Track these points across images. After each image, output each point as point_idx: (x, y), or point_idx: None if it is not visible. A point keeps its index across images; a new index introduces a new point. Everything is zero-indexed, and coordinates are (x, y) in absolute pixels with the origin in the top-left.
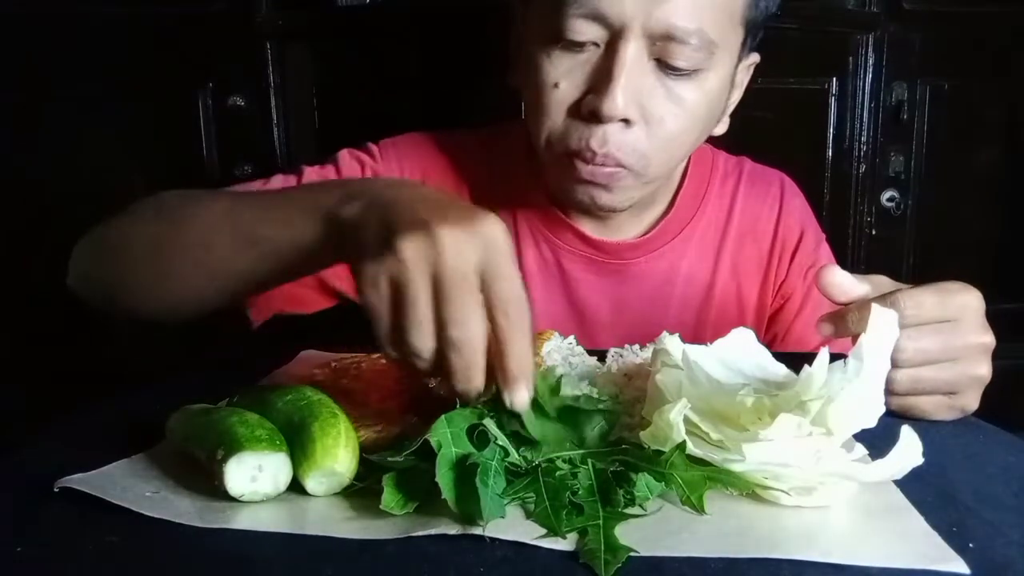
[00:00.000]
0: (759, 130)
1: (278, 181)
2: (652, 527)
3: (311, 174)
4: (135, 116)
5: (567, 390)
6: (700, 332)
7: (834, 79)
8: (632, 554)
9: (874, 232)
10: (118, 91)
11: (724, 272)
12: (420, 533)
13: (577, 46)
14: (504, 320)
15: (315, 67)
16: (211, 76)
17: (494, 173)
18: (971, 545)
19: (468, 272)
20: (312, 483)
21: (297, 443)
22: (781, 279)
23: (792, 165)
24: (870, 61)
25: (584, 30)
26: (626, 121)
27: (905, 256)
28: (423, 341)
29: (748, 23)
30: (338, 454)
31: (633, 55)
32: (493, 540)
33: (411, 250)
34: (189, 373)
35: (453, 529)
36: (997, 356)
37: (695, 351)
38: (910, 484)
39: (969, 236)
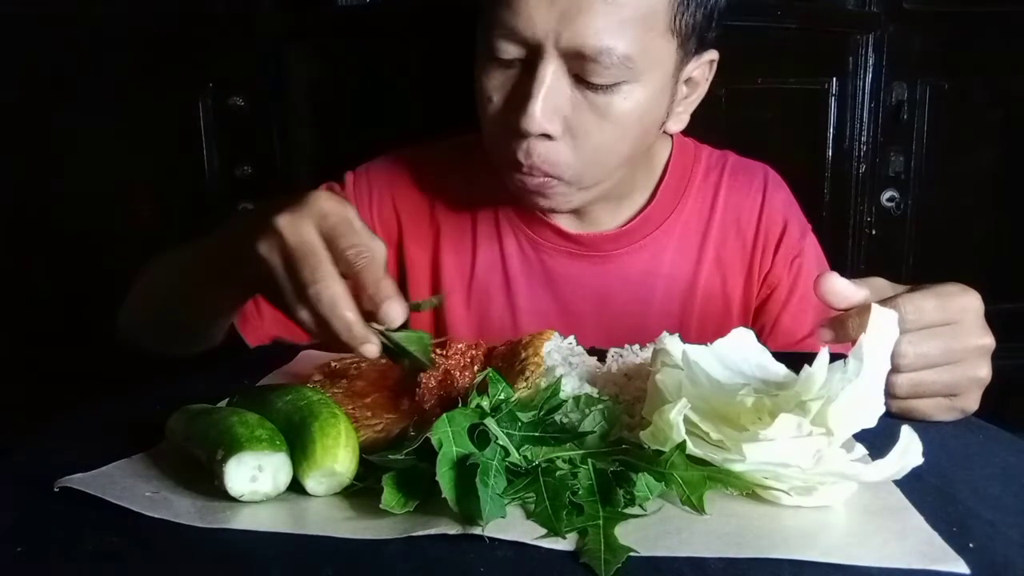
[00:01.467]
0: (759, 130)
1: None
2: (652, 527)
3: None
4: (135, 116)
5: (567, 390)
6: (686, 323)
7: (834, 79)
8: (632, 554)
9: (874, 232)
10: (118, 91)
11: (708, 264)
12: (420, 533)
13: (504, 63)
14: (350, 268)
15: (315, 67)
16: (211, 76)
17: (472, 178)
18: (971, 545)
19: (306, 241)
20: (312, 483)
21: (297, 443)
22: (766, 270)
23: (792, 165)
24: (870, 61)
25: (507, 48)
26: (549, 136)
27: (905, 256)
28: (293, 310)
29: (681, 29)
30: (338, 454)
31: (552, 72)
32: (493, 540)
33: (262, 247)
34: (189, 373)
35: (453, 529)
36: (997, 356)
37: (695, 351)
38: (910, 484)
39: (969, 236)
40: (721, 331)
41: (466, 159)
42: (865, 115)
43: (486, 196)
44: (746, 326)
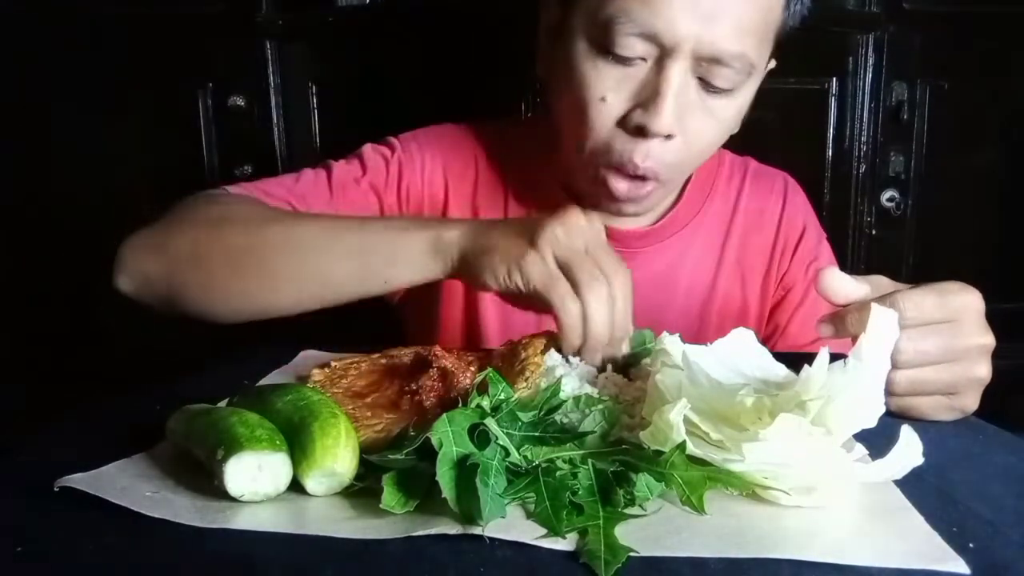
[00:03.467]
0: (759, 130)
1: (309, 177)
2: (652, 527)
3: (339, 169)
4: (135, 116)
5: (567, 390)
6: (704, 324)
7: (834, 79)
8: (632, 554)
9: (874, 232)
10: (118, 91)
11: (729, 263)
12: (420, 533)
13: (625, 60)
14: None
15: (315, 67)
16: (211, 76)
17: (509, 164)
18: (971, 545)
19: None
20: (312, 483)
21: (297, 443)
22: (783, 271)
23: (792, 165)
24: (870, 61)
25: (635, 47)
26: (669, 136)
27: (905, 256)
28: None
29: (778, 39)
30: (338, 454)
31: (684, 73)
32: (493, 540)
33: (550, 238)
34: (189, 373)
35: (453, 529)
36: (997, 356)
37: (695, 351)
38: (910, 484)
39: (969, 236)
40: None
41: (507, 145)
42: (865, 115)
43: (522, 184)
44: (760, 328)
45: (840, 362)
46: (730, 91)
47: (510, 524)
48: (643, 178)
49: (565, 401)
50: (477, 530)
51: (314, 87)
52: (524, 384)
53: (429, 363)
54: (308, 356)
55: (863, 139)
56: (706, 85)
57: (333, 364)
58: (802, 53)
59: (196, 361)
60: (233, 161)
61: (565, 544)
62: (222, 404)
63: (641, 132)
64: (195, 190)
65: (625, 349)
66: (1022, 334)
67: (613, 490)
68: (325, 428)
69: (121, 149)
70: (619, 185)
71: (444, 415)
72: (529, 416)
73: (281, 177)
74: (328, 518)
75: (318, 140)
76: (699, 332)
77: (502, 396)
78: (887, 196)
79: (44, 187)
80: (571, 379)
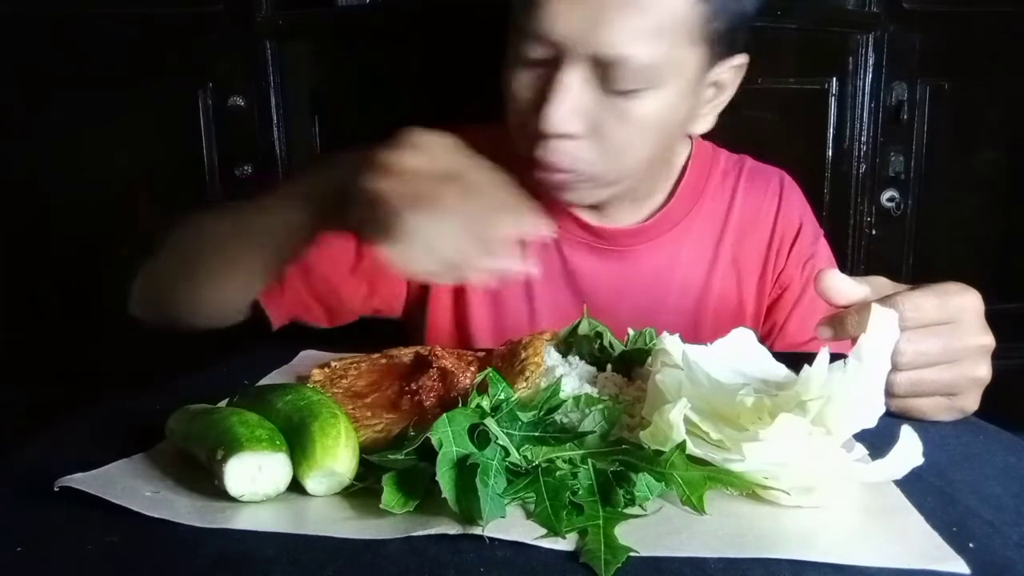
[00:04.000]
0: (759, 130)
1: None
2: (652, 527)
3: None
4: (135, 116)
5: (567, 390)
6: (700, 322)
7: (834, 79)
8: (632, 554)
9: (874, 232)
10: (118, 91)
11: (724, 262)
12: (420, 533)
13: (532, 63)
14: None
15: (315, 67)
16: (211, 76)
17: (499, 165)
18: (971, 545)
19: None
20: (312, 483)
21: (297, 443)
22: (780, 269)
23: (792, 165)
24: (870, 61)
25: (536, 49)
26: (570, 136)
27: (905, 256)
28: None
29: (707, 37)
30: (338, 454)
31: (577, 75)
32: (493, 540)
33: (366, 178)
34: (189, 373)
35: (453, 529)
36: (997, 356)
37: (695, 351)
38: (910, 484)
39: (969, 236)
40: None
41: (494, 147)
42: (865, 115)
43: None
44: (759, 327)
45: (840, 362)
46: (635, 92)
47: (510, 524)
48: (564, 170)
49: (565, 401)
50: (477, 530)
51: (314, 87)
52: (524, 384)
53: (429, 363)
54: (308, 356)
55: (863, 139)
56: (607, 86)
57: (333, 364)
58: (802, 53)
59: (196, 361)
60: (233, 161)
61: (565, 544)
62: (222, 404)
63: (540, 131)
64: (195, 190)
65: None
66: (1022, 334)
67: (613, 490)
68: (325, 428)
69: (121, 149)
70: (543, 175)
71: (444, 415)
72: (529, 416)
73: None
74: (328, 518)
75: (318, 140)
76: (694, 330)
77: (502, 396)
78: (887, 196)
79: (44, 187)
80: (571, 379)
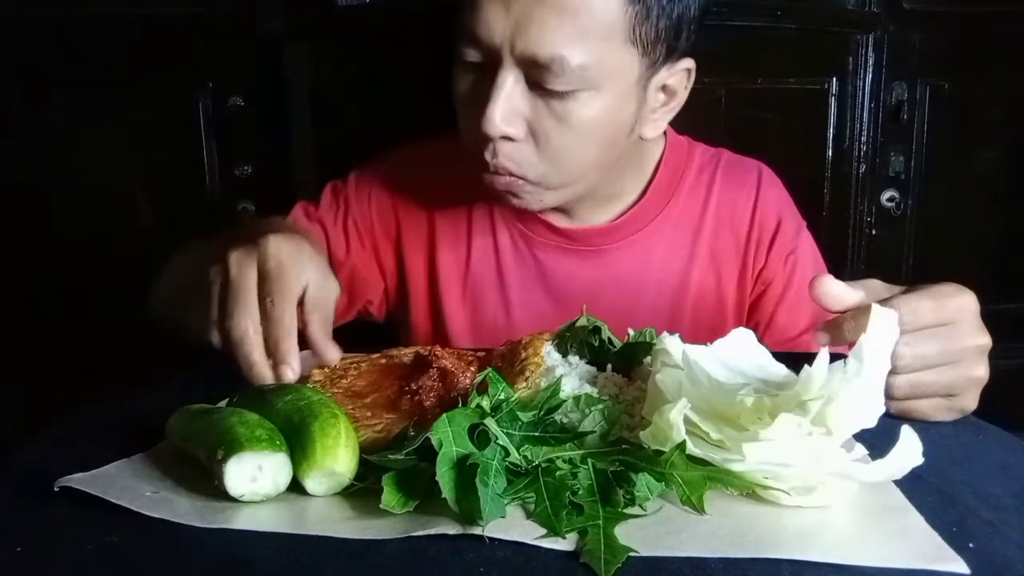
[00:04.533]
0: (759, 130)
1: (299, 212)
2: (652, 527)
3: (299, 208)
4: (135, 116)
5: (567, 390)
6: (677, 319)
7: (834, 79)
8: (632, 554)
9: (874, 232)
10: (118, 91)
11: (701, 260)
12: (420, 533)
13: (471, 67)
14: (264, 315)
15: (315, 67)
16: (211, 76)
17: (467, 173)
18: (971, 545)
19: (243, 277)
20: (312, 483)
21: (297, 443)
22: (760, 265)
23: (792, 165)
24: (870, 61)
25: (471, 53)
26: (509, 138)
27: (905, 256)
28: (207, 332)
29: (642, 39)
30: (338, 454)
31: (510, 77)
32: (493, 540)
33: (211, 272)
34: (189, 373)
35: (453, 529)
36: (997, 356)
37: (695, 351)
38: (910, 484)
39: (969, 236)
40: (715, 327)
41: (461, 156)
42: (865, 115)
43: (480, 191)
44: (741, 323)
45: (840, 362)
46: (571, 93)
47: (510, 524)
48: (511, 174)
49: (565, 401)
50: (477, 530)
51: (314, 88)
52: (524, 384)
53: (429, 363)
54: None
55: (863, 139)
56: (541, 88)
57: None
58: (802, 53)
59: (196, 361)
60: (233, 161)
61: (565, 544)
62: (222, 404)
63: (482, 134)
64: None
65: (290, 375)
66: (1022, 334)
67: (613, 490)
68: (325, 428)
69: (121, 149)
70: (484, 178)
71: (444, 415)
72: (529, 416)
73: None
74: (328, 518)
75: (318, 140)
76: (674, 326)
77: (502, 396)
78: (887, 196)
79: (44, 187)
80: (571, 379)
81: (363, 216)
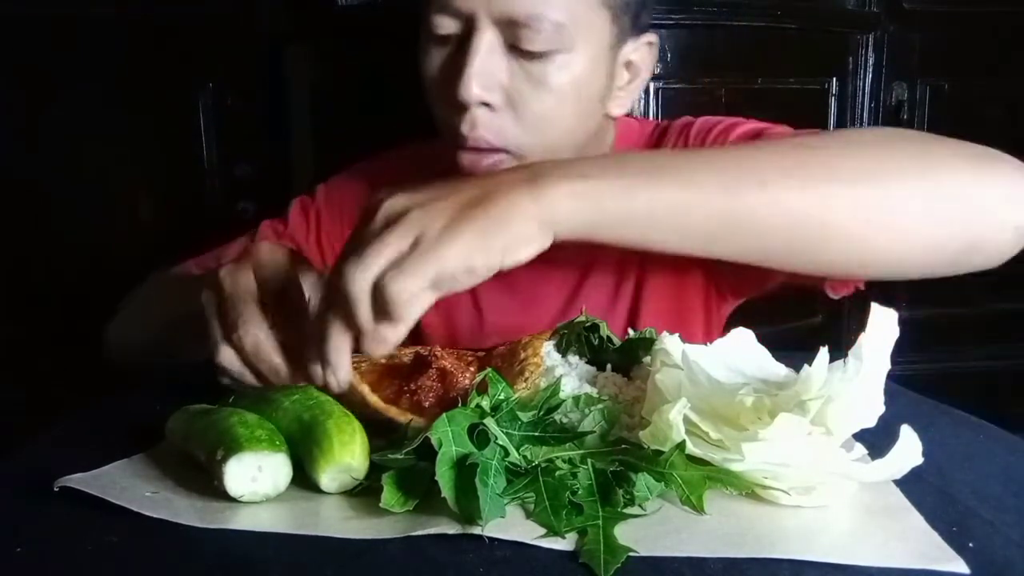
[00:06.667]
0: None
1: (239, 243)
2: (652, 527)
3: (265, 227)
4: (135, 116)
5: (567, 390)
6: (641, 288)
7: (834, 79)
8: (632, 554)
9: None
10: (118, 91)
11: None
12: (420, 533)
13: (442, 39)
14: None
15: (315, 67)
16: (211, 76)
17: (436, 175)
18: (971, 545)
19: (240, 287)
20: (327, 479)
21: (311, 440)
22: None
23: None
24: (870, 61)
25: (443, 24)
26: (489, 105)
27: None
28: (217, 351)
29: (615, 5)
30: (355, 450)
31: (487, 42)
32: (493, 540)
33: (204, 295)
34: (189, 373)
35: (453, 529)
36: (997, 356)
37: (695, 351)
38: (910, 484)
39: None
40: (679, 288)
41: (426, 165)
42: (865, 115)
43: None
44: (709, 289)
45: (840, 362)
46: (548, 54)
47: (510, 524)
48: (485, 150)
49: (565, 401)
50: (477, 530)
51: (314, 88)
52: (524, 384)
53: (428, 363)
54: None
55: None
56: (519, 51)
57: None
58: (802, 53)
59: (196, 361)
60: (233, 161)
61: (565, 544)
62: (222, 404)
63: (459, 104)
64: (195, 190)
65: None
66: (1022, 334)
67: (613, 490)
68: (341, 425)
69: (121, 149)
70: (463, 159)
71: (444, 415)
72: (529, 416)
73: (220, 247)
74: (328, 518)
75: (318, 140)
76: (637, 299)
77: (502, 396)
78: None
79: (44, 187)
80: (571, 379)
81: (335, 232)
